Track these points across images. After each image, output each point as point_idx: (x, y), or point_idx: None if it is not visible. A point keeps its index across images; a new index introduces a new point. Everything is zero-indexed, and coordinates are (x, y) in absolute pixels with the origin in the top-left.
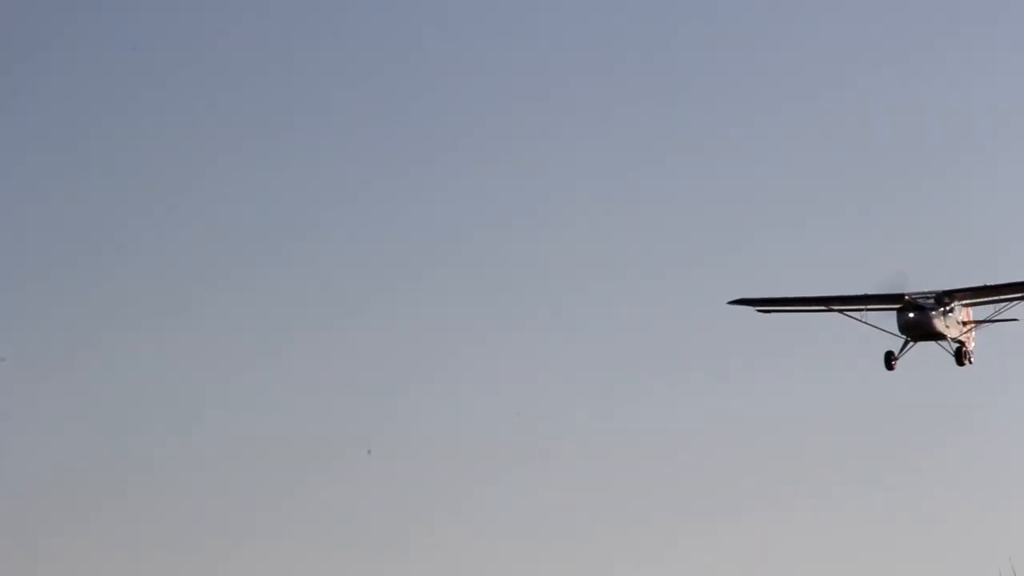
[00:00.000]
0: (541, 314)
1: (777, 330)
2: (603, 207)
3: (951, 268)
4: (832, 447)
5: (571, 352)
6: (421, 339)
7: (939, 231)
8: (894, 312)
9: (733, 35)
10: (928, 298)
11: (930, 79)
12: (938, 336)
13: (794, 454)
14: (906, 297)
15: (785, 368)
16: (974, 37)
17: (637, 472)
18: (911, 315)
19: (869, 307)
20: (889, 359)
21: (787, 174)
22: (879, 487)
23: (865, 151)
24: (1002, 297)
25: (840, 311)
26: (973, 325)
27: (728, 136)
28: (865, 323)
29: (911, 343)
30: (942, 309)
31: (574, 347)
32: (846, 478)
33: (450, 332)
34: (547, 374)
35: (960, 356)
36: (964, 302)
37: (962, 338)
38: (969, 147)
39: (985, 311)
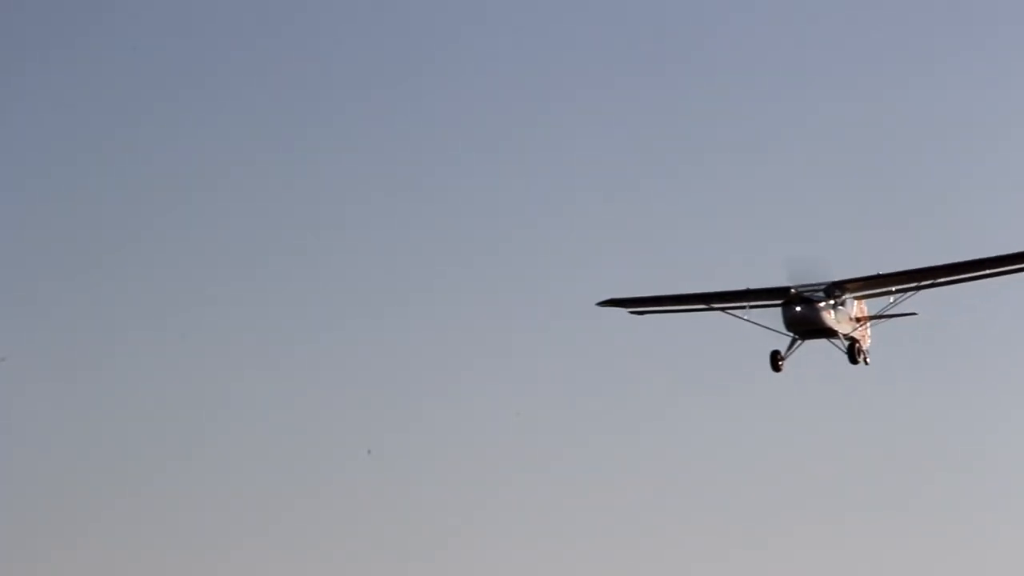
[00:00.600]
0: (389, 316)
1: (652, 333)
2: (466, 203)
3: (840, 259)
4: (716, 456)
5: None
6: (413, 339)
7: (827, 220)
8: (779, 308)
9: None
10: (816, 290)
11: (809, 74)
12: (828, 332)
13: (677, 467)
14: (792, 290)
15: (662, 375)
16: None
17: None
18: (798, 309)
19: (752, 303)
20: (775, 359)
21: (662, 167)
22: (768, 497)
23: (744, 142)
24: (897, 288)
25: (721, 309)
26: (868, 320)
27: (597, 130)
28: (748, 321)
29: (799, 341)
30: (832, 302)
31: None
32: (732, 490)
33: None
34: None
35: (854, 354)
36: (857, 294)
37: (855, 334)
38: (853, 133)
39: (880, 304)
